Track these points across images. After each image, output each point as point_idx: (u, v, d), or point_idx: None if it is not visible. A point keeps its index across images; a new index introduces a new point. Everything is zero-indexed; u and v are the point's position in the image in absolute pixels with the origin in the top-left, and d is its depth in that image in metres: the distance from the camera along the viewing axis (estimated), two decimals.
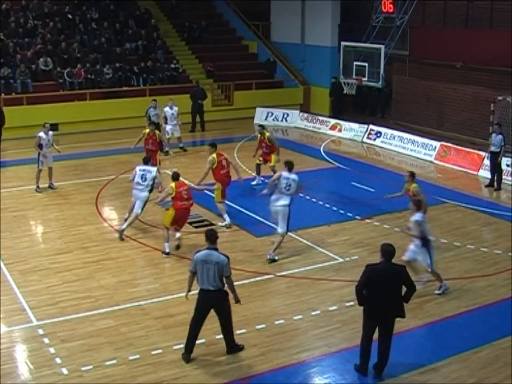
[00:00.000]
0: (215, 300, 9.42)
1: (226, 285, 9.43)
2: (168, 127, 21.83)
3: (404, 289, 8.96)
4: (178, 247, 13.65)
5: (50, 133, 17.70)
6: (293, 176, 13.23)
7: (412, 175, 13.58)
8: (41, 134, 17.48)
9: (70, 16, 28.64)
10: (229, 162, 15.43)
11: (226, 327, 9.68)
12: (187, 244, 13.98)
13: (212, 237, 9.53)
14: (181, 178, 13.70)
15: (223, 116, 27.34)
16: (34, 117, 22.95)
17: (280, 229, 13.14)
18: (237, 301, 9.62)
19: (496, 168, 18.40)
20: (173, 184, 13.41)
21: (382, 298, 8.80)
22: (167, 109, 21.84)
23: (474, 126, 23.22)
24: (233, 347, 9.77)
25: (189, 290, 9.68)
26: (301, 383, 9.17)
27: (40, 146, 17.38)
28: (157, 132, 18.65)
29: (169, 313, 10.96)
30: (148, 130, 18.45)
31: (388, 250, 8.94)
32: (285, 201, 13.07)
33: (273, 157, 17.87)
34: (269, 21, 32.27)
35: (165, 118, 21.82)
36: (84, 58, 26.87)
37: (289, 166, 13.32)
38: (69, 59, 26.58)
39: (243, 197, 17.15)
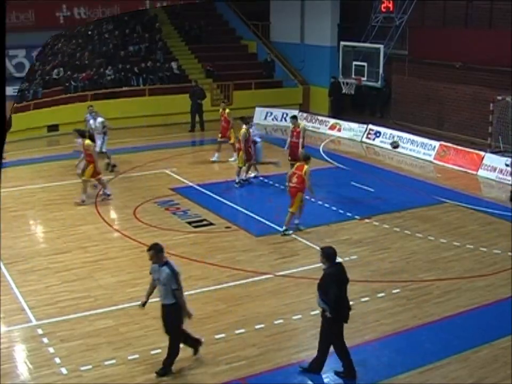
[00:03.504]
0: None
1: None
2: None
3: None
4: None
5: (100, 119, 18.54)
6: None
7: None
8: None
9: (90, 32, 28.77)
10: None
11: None
12: (186, 244, 14.00)
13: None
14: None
15: None
16: (35, 120, 22.92)
17: None
18: None
19: None
20: None
21: (345, 298, 9.01)
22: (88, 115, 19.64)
23: (474, 126, 23.22)
24: None
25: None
26: (300, 383, 9.18)
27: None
28: (87, 141, 16.57)
29: None
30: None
31: (330, 253, 9.03)
32: None
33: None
34: (269, 21, 32.21)
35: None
36: (91, 64, 26.96)
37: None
38: (79, 66, 26.69)
39: (243, 197, 17.15)
